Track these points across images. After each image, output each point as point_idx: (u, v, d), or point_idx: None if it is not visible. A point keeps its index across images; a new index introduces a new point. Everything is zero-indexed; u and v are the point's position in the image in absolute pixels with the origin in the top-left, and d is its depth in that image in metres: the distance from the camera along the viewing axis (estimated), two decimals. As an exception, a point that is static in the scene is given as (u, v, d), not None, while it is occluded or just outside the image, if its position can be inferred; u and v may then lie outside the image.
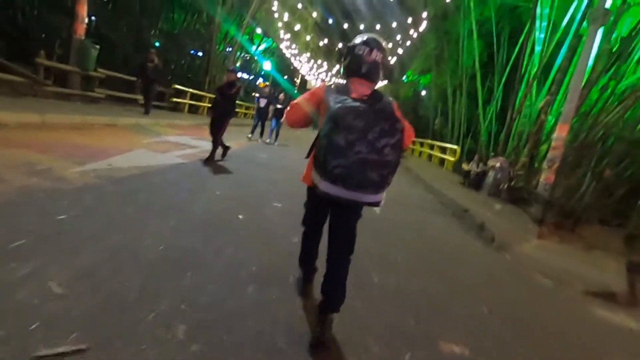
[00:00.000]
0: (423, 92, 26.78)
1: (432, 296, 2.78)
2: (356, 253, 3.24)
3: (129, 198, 3.38)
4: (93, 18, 13.83)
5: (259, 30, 23.20)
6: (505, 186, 8.20)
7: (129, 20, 14.12)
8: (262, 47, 26.73)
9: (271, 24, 18.85)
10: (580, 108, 7.83)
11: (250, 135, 11.10)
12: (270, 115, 11.32)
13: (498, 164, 8.51)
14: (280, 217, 3.90)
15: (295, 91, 47.17)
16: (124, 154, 5.09)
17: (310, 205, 2.15)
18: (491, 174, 8.65)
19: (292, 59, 21.38)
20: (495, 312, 2.77)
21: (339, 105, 1.65)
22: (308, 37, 19.01)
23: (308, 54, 19.73)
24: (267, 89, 11.75)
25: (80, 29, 9.31)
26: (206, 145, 6.12)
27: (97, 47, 9.48)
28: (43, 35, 11.40)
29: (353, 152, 1.62)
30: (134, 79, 12.47)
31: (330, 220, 2.04)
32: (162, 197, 3.64)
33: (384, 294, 2.63)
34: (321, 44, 17.70)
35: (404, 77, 29.52)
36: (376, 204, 1.85)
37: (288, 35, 17.69)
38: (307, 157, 1.95)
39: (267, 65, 29.24)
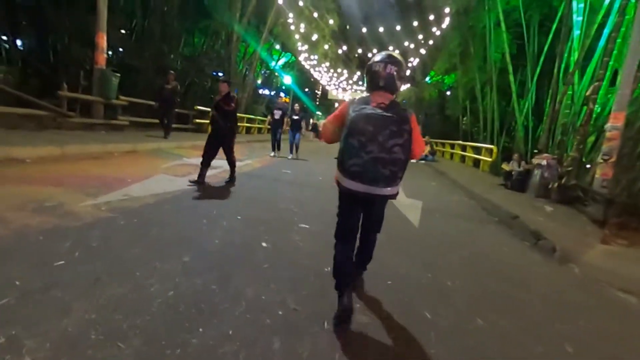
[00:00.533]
0: (448, 92, 25.93)
1: (500, 335, 2.24)
2: (402, 284, 2.74)
3: (139, 233, 3.05)
4: (120, 49, 14.24)
5: (277, 47, 23.31)
6: (555, 185, 7.42)
7: (151, 47, 14.38)
8: (282, 61, 26.83)
9: (289, 37, 18.76)
10: (633, 93, 7.00)
11: (272, 154, 10.72)
12: (284, 126, 10.77)
13: (544, 162, 7.74)
14: (309, 241, 3.47)
15: (317, 103, 47.06)
16: (142, 182, 4.85)
17: (342, 208, 2.23)
18: (537, 172, 7.88)
19: (312, 71, 21.03)
20: (581, 350, 2.21)
21: (355, 113, 1.97)
22: (326, 46, 18.62)
23: (327, 64, 19.27)
24: (279, 99, 11.48)
25: (101, 59, 9.40)
26: (227, 165, 5.84)
27: (118, 75, 9.52)
28: (70, 69, 11.76)
29: (365, 152, 1.90)
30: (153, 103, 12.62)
31: (362, 222, 2.31)
32: (176, 229, 3.29)
33: (441, 336, 2.12)
34: (340, 51, 17.17)
35: (427, 78, 28.73)
36: (392, 197, 2.10)
37: (306, 47, 17.35)
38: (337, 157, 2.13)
39: (287, 80, 29.33)
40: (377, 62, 2.07)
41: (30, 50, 13.01)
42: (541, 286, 3.26)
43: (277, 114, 10.58)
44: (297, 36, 17.10)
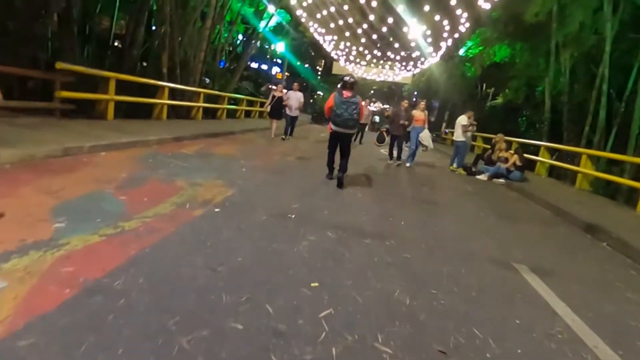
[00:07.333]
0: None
1: None
2: None
3: None
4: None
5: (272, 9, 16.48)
6: None
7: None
8: (273, 21, 19.81)
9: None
10: None
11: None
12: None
13: None
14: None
15: (318, 79, 39.31)
16: None
17: (331, 142, 5.55)
18: None
19: (313, 32, 13.98)
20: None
21: (339, 100, 5.20)
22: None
23: (332, 9, 11.93)
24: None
25: None
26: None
27: None
28: None
29: (343, 115, 5.18)
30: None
31: (339, 147, 5.50)
32: None
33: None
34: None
35: (461, 51, 21.39)
36: (353, 133, 5.76)
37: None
38: (327, 122, 6.33)
39: (280, 47, 22.62)
40: (346, 79, 5.32)
41: None
42: None
43: None
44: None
